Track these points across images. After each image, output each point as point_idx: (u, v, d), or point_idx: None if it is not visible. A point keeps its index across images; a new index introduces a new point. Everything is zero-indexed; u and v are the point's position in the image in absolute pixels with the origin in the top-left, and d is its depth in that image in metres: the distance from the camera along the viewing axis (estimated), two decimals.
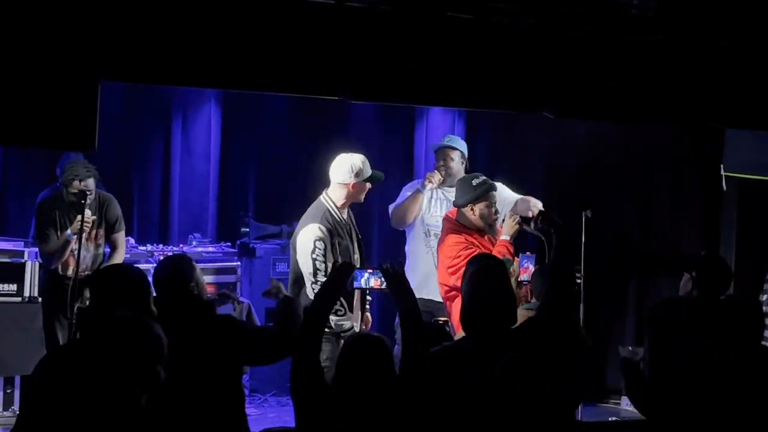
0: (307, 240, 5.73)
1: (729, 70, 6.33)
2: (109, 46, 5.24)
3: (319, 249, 5.70)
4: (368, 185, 6.03)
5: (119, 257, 6.56)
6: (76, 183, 6.34)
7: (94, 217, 6.39)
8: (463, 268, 5.81)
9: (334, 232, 5.78)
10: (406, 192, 7.01)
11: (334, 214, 5.86)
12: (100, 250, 6.51)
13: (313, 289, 5.61)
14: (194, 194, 8.14)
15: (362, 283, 4.95)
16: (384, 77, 5.74)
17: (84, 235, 6.22)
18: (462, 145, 7.08)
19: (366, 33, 5.64)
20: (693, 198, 8.37)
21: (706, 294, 5.07)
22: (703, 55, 6.27)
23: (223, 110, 8.13)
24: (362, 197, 6.05)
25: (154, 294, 4.41)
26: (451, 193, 6.62)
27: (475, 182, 6.34)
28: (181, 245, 7.61)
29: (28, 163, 7.88)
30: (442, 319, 6.36)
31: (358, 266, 5.55)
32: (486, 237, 6.33)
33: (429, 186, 6.88)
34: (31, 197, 7.62)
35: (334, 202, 5.90)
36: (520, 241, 6.57)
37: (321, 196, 5.94)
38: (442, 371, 3.92)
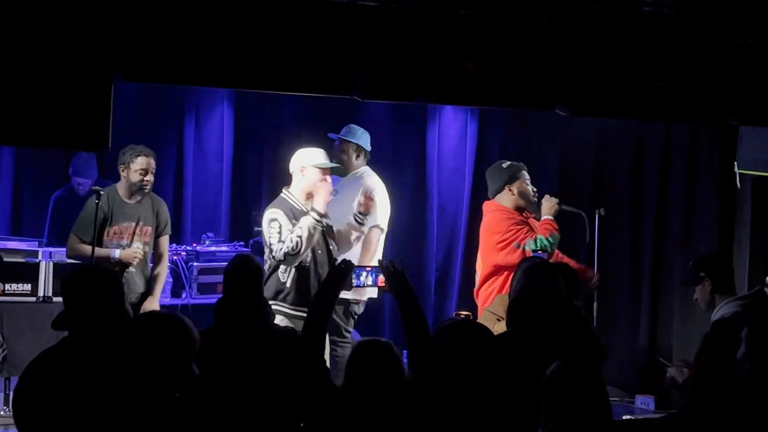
0: (264, 222, 6.06)
1: (744, 67, 6.30)
2: (123, 46, 5.25)
3: (273, 228, 5.96)
4: (321, 173, 6.09)
5: (165, 265, 6.66)
6: (141, 159, 6.41)
7: (145, 251, 6.48)
8: (515, 242, 5.97)
9: (293, 216, 5.99)
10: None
11: (292, 203, 6.09)
12: (148, 249, 6.58)
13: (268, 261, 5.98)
14: (207, 193, 8.15)
15: (362, 281, 4.93)
16: (396, 75, 5.74)
17: (137, 230, 6.42)
18: (360, 139, 6.88)
19: (378, 31, 5.64)
20: (707, 196, 8.33)
21: (726, 291, 5.05)
22: (718, 52, 6.25)
23: (235, 110, 8.14)
24: (316, 186, 6.07)
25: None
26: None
27: (505, 165, 6.58)
28: (194, 244, 7.62)
29: (42, 163, 7.91)
30: (464, 312, 6.38)
31: (323, 260, 6.00)
32: (530, 217, 6.40)
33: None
34: (45, 198, 7.66)
35: (291, 193, 6.14)
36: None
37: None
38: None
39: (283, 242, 5.88)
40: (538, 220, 6.53)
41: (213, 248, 7.58)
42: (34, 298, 6.59)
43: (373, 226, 6.60)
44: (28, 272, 6.61)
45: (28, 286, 6.59)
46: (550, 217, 6.39)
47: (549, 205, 6.43)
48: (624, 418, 7.29)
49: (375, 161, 7.01)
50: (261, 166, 8.32)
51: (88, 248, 6.36)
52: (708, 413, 3.80)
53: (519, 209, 6.47)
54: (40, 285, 6.60)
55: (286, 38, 5.49)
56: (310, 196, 6.11)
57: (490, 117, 8.42)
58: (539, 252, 6.24)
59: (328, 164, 6.20)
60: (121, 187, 6.54)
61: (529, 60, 5.94)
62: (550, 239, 6.28)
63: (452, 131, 8.46)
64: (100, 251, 6.38)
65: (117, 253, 6.41)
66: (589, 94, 6.14)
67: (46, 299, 6.63)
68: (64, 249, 7.04)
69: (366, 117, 8.26)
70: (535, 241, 6.26)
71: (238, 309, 4.42)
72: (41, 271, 6.62)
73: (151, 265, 6.65)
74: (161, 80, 5.94)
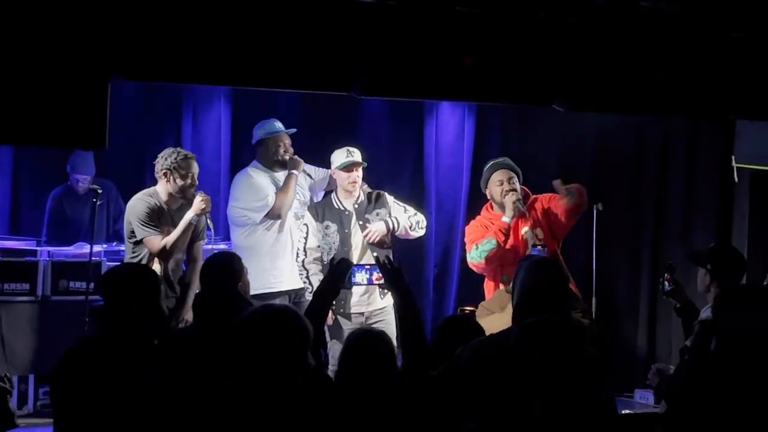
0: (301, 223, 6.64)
1: (742, 62, 6.30)
2: (119, 44, 5.25)
3: (302, 231, 6.57)
4: (344, 173, 6.54)
5: (198, 272, 6.28)
6: (196, 165, 6.21)
7: (177, 258, 6.18)
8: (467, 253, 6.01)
9: (323, 217, 6.52)
10: (245, 181, 6.72)
11: (333, 202, 6.61)
12: (181, 255, 6.24)
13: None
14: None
15: (360, 279, 4.93)
16: (394, 72, 5.74)
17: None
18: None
19: (375, 28, 5.64)
20: (705, 190, 8.34)
21: (724, 285, 5.03)
22: (716, 47, 6.25)
23: (233, 108, 8.12)
24: (349, 184, 6.55)
25: (199, 290, 4.69)
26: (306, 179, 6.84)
27: (486, 167, 6.61)
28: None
29: (40, 162, 7.90)
30: (468, 308, 6.38)
31: (357, 253, 6.39)
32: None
33: (302, 168, 6.71)
34: (43, 196, 7.65)
35: (336, 195, 6.66)
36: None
37: None
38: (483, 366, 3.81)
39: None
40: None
41: (211, 246, 7.56)
42: (32, 297, 6.59)
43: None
44: (26, 271, 6.61)
45: (26, 285, 6.59)
46: (506, 221, 6.32)
47: (507, 206, 6.34)
48: (624, 412, 7.32)
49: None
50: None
51: (170, 237, 6.05)
52: (692, 411, 3.82)
53: (500, 210, 6.46)
54: (38, 284, 6.60)
55: (283, 35, 5.49)
56: (348, 194, 6.59)
57: (488, 113, 8.42)
58: (472, 261, 6.37)
59: (346, 161, 6.55)
60: (161, 192, 6.20)
61: (526, 56, 5.94)
62: (479, 248, 6.27)
63: (450, 127, 8.45)
64: (179, 227, 6.07)
65: (191, 213, 6.07)
66: (586, 89, 6.14)
67: (45, 298, 6.63)
68: (63, 248, 7.05)
69: (363, 114, 8.26)
70: (470, 252, 6.33)
71: (215, 306, 4.45)
72: (39, 270, 6.62)
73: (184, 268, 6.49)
74: (158, 79, 5.95)
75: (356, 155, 6.57)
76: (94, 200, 6.32)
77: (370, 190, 6.73)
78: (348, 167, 6.55)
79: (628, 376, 8.06)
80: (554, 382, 3.56)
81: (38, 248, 6.92)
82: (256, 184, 6.54)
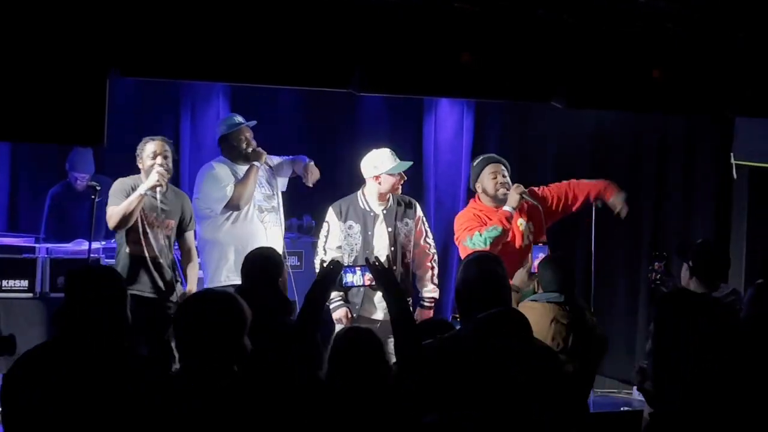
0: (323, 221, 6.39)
1: (739, 59, 6.31)
2: (118, 41, 5.25)
3: (323, 229, 6.34)
4: (393, 177, 6.31)
5: (195, 260, 6.36)
6: (150, 144, 6.14)
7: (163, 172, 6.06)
8: (462, 240, 6.00)
9: (346, 216, 6.28)
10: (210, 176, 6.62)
11: (359, 201, 6.34)
12: (169, 242, 6.20)
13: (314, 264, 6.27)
14: None
15: (352, 280, 4.91)
16: (392, 69, 5.74)
17: (157, 222, 6.08)
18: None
19: (374, 25, 5.64)
20: (704, 187, 8.34)
21: (704, 282, 5.03)
22: (714, 44, 6.26)
23: (231, 104, 8.12)
24: (393, 188, 6.34)
25: (240, 284, 4.64)
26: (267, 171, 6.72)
27: (474, 162, 6.58)
28: None
29: (38, 159, 7.90)
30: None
31: (382, 260, 5.79)
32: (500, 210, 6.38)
33: (264, 159, 6.62)
34: (42, 193, 7.65)
35: (364, 195, 6.37)
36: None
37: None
38: (441, 362, 3.84)
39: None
40: None
41: None
42: (31, 294, 6.59)
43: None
44: (25, 268, 6.61)
45: (25, 282, 6.59)
46: (508, 209, 6.33)
47: (513, 196, 6.35)
48: (622, 409, 7.33)
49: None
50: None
51: (122, 204, 5.96)
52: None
53: (495, 206, 6.44)
54: (37, 281, 6.60)
55: (282, 31, 5.49)
56: (383, 197, 6.33)
57: (487, 110, 8.42)
58: (474, 248, 6.19)
59: (402, 166, 6.36)
60: (141, 180, 6.18)
61: (524, 53, 5.94)
62: (484, 234, 6.26)
63: (448, 124, 8.45)
64: (130, 199, 5.96)
65: (143, 188, 5.99)
66: (584, 86, 6.15)
67: (44, 295, 6.63)
68: (61, 245, 7.05)
69: (362, 111, 8.26)
70: (471, 237, 6.28)
71: (258, 300, 4.40)
72: (38, 267, 6.62)
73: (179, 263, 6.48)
74: (156, 75, 5.93)
75: (404, 159, 6.45)
76: (93, 197, 6.31)
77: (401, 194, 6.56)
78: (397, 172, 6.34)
79: (627, 374, 8.07)
80: (507, 372, 3.58)
81: (37, 245, 6.92)
82: (217, 176, 6.50)
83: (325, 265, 4.30)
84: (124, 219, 5.94)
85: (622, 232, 8.30)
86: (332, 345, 3.89)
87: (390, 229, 6.30)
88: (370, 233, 6.26)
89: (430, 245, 6.55)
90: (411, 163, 6.50)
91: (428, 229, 6.60)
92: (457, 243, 6.50)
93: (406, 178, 6.41)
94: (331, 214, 6.33)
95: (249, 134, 6.66)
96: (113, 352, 3.54)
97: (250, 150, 6.57)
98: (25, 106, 5.16)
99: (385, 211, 6.34)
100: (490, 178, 6.46)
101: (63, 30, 5.14)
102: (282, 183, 6.85)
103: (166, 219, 6.15)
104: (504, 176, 6.49)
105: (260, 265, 4.77)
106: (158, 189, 6.02)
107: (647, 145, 8.47)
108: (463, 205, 8.30)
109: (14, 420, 3.49)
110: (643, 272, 8.39)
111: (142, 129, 7.72)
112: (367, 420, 3.68)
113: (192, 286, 6.25)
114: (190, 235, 6.35)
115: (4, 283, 6.52)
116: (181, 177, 8.09)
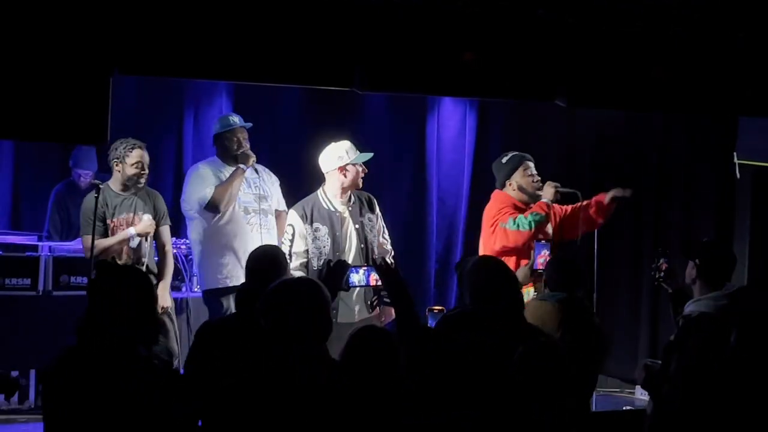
0: (286, 224, 6.13)
1: (743, 58, 6.30)
2: (121, 39, 5.25)
3: (287, 233, 6.03)
4: (354, 168, 6.08)
5: (170, 255, 6.51)
6: (136, 152, 6.33)
7: (153, 223, 6.35)
8: (500, 223, 5.97)
9: (307, 218, 5.98)
10: (203, 175, 6.63)
11: (321, 202, 6.06)
12: (149, 240, 6.43)
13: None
14: None
15: (357, 280, 4.87)
16: (395, 68, 5.74)
17: (134, 220, 6.30)
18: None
19: (377, 24, 5.64)
20: (707, 186, 8.34)
21: (711, 281, 5.03)
22: (717, 43, 6.25)
23: (234, 103, 8.13)
24: (355, 180, 6.09)
25: (246, 283, 4.56)
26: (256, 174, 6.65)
27: (504, 159, 6.52)
28: None
29: (41, 158, 7.91)
30: (438, 308, 6.37)
31: (351, 258, 5.84)
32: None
33: (251, 162, 6.59)
34: (45, 192, 7.65)
35: (325, 193, 6.09)
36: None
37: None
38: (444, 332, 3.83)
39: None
40: None
41: None
42: (34, 292, 6.59)
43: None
44: (27, 266, 6.61)
45: (28, 280, 6.59)
46: (545, 200, 6.36)
47: (548, 190, 6.40)
48: (625, 408, 7.33)
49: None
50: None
51: (104, 241, 6.24)
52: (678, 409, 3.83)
53: (524, 203, 6.43)
54: (39, 279, 6.60)
55: (285, 30, 5.49)
56: (345, 192, 6.08)
57: (489, 109, 8.42)
58: (517, 229, 6.21)
59: (366, 156, 6.14)
60: (114, 182, 6.37)
61: (527, 52, 5.94)
62: (529, 218, 6.24)
63: (451, 123, 8.45)
64: (115, 237, 6.26)
65: (133, 230, 6.26)
66: (587, 85, 6.14)
67: (47, 293, 6.63)
68: (64, 243, 7.05)
69: (365, 109, 8.26)
70: (515, 219, 6.23)
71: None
72: (41, 265, 6.62)
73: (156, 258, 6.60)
74: (159, 73, 5.95)
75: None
76: (96, 195, 6.32)
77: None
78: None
79: (629, 373, 8.06)
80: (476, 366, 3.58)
81: (39, 243, 6.92)
82: (200, 177, 6.51)
83: (331, 265, 4.28)
84: (99, 254, 6.19)
85: (625, 231, 8.30)
86: (346, 343, 3.87)
87: (357, 226, 6.06)
88: (338, 233, 5.99)
89: (387, 241, 6.31)
90: (372, 154, 6.24)
91: (385, 226, 6.38)
92: (489, 230, 6.33)
93: (367, 170, 6.15)
94: (294, 217, 6.04)
95: (242, 135, 6.64)
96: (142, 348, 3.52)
97: (240, 152, 6.57)
98: (29, 104, 5.17)
99: (350, 209, 6.11)
100: (526, 175, 6.45)
101: (66, 29, 5.15)
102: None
103: (142, 216, 6.38)
104: (535, 173, 6.51)
105: (267, 264, 4.61)
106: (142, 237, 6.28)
107: (650, 144, 8.46)
108: (467, 203, 8.32)
109: (55, 416, 3.48)
110: (646, 272, 8.39)
111: (145, 128, 7.75)
112: (375, 419, 3.67)
113: (167, 280, 6.45)
114: (165, 230, 6.52)
115: (7, 281, 6.52)
116: (183, 176, 8.10)
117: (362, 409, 3.66)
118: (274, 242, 6.38)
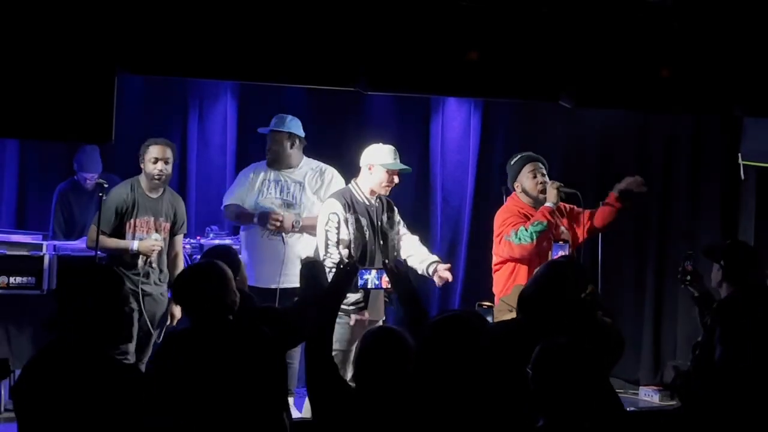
0: (323, 213, 6.08)
1: (748, 58, 6.29)
2: (126, 38, 5.26)
3: (332, 221, 5.97)
4: (387, 174, 6.13)
5: (181, 266, 6.54)
6: (153, 148, 6.44)
7: (162, 244, 6.42)
8: (504, 235, 5.94)
9: (349, 208, 6.02)
10: (242, 178, 6.91)
11: (355, 194, 6.13)
12: (165, 244, 6.51)
13: (324, 260, 5.83)
14: (211, 186, 8.13)
15: (367, 282, 4.87)
16: (399, 67, 5.74)
17: (157, 225, 6.42)
18: (291, 126, 6.83)
19: (381, 23, 5.64)
20: (711, 187, 8.33)
21: (737, 281, 5.03)
22: (722, 43, 6.24)
23: (239, 102, 8.13)
24: (384, 186, 6.15)
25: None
26: (283, 175, 6.71)
27: (513, 161, 6.51)
28: (198, 237, 7.60)
29: (46, 156, 7.91)
30: (487, 304, 6.37)
31: (375, 257, 5.94)
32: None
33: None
34: (50, 191, 7.66)
35: (358, 185, 6.18)
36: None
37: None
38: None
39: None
40: None
41: (217, 241, 7.57)
42: (38, 291, 6.60)
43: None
44: (32, 265, 6.62)
45: (32, 279, 6.60)
46: (550, 205, 6.32)
47: (551, 192, 6.36)
48: (629, 410, 7.31)
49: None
50: (264, 160, 8.32)
51: (108, 239, 6.35)
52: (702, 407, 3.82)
53: (533, 205, 6.42)
54: (44, 278, 6.61)
55: (289, 29, 5.49)
56: (373, 193, 6.15)
57: (494, 109, 8.41)
58: (519, 243, 6.20)
59: (397, 165, 6.17)
60: (142, 180, 6.51)
61: (532, 51, 5.93)
62: (530, 229, 6.23)
63: (456, 123, 8.44)
64: (118, 242, 6.37)
65: (135, 245, 6.36)
66: (592, 85, 6.14)
67: (51, 292, 6.63)
68: (69, 242, 7.06)
69: (369, 109, 8.26)
70: (516, 233, 6.23)
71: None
72: (45, 264, 6.63)
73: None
74: (164, 73, 5.96)
75: (408, 164, 6.34)
76: (101, 195, 6.34)
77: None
78: (395, 170, 6.18)
79: (633, 374, 8.06)
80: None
81: (44, 242, 6.92)
82: (239, 180, 6.82)
83: (342, 266, 4.22)
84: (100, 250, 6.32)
85: (629, 232, 8.29)
86: (360, 344, 3.85)
87: (379, 224, 6.17)
88: (376, 224, 6.12)
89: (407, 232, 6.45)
90: (408, 168, 6.35)
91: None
92: (497, 240, 6.35)
93: (397, 181, 6.20)
94: (336, 206, 6.01)
95: (275, 145, 6.73)
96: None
97: (270, 156, 6.74)
98: (34, 103, 5.18)
99: (376, 205, 6.20)
100: (530, 177, 6.42)
101: (71, 28, 5.16)
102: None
103: (165, 222, 6.49)
104: (543, 174, 6.45)
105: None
106: (145, 258, 6.36)
107: (655, 145, 8.45)
108: (471, 204, 8.31)
109: (28, 416, 3.49)
110: (649, 272, 8.39)
111: (150, 127, 7.76)
112: (391, 420, 3.65)
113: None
114: (178, 239, 6.62)
115: (12, 279, 6.53)
116: (188, 175, 8.11)
117: (374, 410, 3.66)
118: (295, 252, 6.44)
